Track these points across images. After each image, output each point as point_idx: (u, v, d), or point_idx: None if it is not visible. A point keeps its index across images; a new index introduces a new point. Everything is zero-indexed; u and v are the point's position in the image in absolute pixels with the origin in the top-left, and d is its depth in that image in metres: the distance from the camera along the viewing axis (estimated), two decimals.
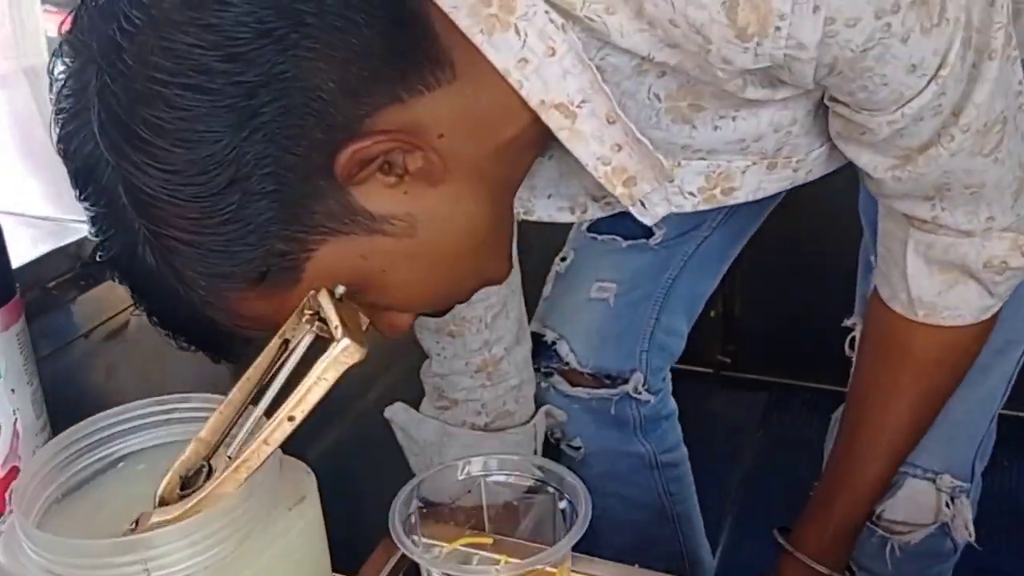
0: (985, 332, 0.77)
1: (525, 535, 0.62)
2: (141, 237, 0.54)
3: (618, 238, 1.05)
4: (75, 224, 0.90)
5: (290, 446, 0.55)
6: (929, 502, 0.94)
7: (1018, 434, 1.05)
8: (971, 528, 0.96)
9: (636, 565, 0.60)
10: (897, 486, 0.94)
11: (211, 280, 0.55)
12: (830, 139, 0.67)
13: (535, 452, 1.01)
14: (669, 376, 1.17)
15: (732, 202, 0.70)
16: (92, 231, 0.57)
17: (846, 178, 0.72)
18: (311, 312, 0.57)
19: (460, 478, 0.60)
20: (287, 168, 0.52)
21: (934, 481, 0.94)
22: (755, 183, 0.69)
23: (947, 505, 0.94)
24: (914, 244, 0.72)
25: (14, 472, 0.64)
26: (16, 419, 0.64)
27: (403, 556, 0.63)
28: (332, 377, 0.53)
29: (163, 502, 0.58)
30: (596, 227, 1.06)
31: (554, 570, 0.59)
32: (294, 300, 0.56)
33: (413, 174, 0.55)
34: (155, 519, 0.56)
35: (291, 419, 0.54)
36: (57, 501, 0.60)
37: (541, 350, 1.07)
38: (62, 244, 0.87)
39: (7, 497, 0.65)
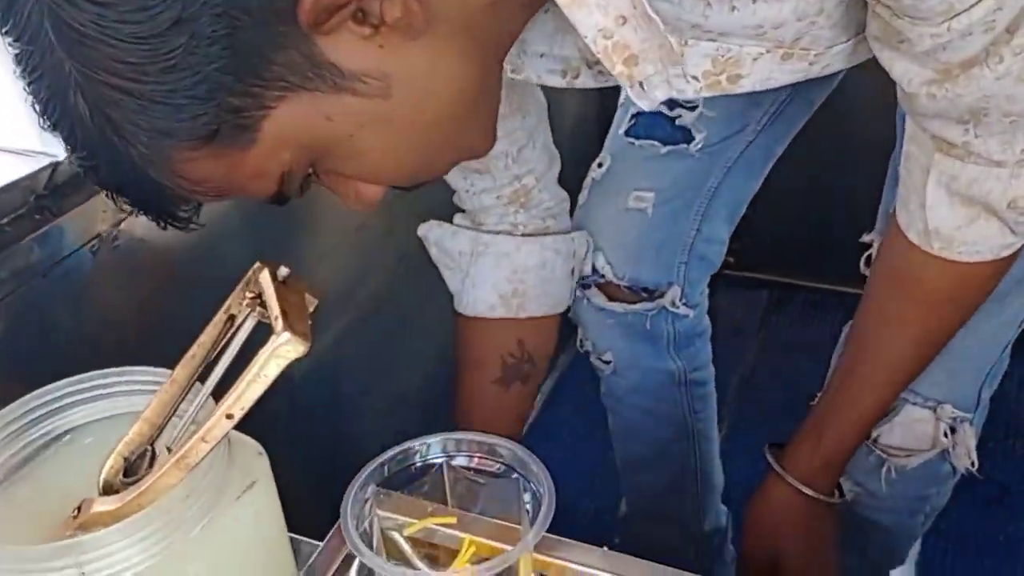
0: (1002, 270, 0.72)
1: (489, 514, 0.59)
2: (72, 81, 0.47)
3: (656, 143, 0.99)
4: (27, 155, 0.86)
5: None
6: (927, 430, 0.92)
7: None
8: (973, 456, 0.94)
9: (605, 547, 0.57)
10: (895, 412, 0.91)
11: (153, 136, 0.48)
12: (857, 35, 0.61)
13: (571, 271, 0.98)
14: (707, 291, 1.13)
15: (737, 91, 0.64)
16: (17, 70, 0.49)
17: (878, 77, 0.64)
18: (253, 294, 0.53)
19: (419, 463, 0.57)
20: (242, 9, 0.45)
21: (934, 410, 0.91)
22: (765, 73, 0.63)
23: (946, 435, 0.92)
24: (937, 174, 0.66)
25: None
26: None
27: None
28: (273, 372, 0.49)
29: (107, 486, 0.56)
30: (634, 130, 1.00)
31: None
32: (249, 164, 0.51)
33: (390, 25, 0.48)
34: (96, 508, 0.53)
35: (229, 416, 0.50)
36: (0, 483, 0.57)
37: None
38: (13, 179, 0.82)
39: None
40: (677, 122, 0.98)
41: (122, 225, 0.90)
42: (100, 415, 0.61)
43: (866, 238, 0.91)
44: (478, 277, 0.95)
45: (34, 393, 0.59)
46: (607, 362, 1.14)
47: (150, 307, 0.93)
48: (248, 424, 0.58)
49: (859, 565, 1.13)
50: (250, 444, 0.59)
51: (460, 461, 0.57)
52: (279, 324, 0.49)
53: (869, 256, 0.89)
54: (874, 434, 0.94)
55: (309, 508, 0.64)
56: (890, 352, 0.81)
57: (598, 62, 0.65)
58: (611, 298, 1.07)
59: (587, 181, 1.06)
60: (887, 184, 0.89)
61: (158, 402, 0.57)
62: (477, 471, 0.57)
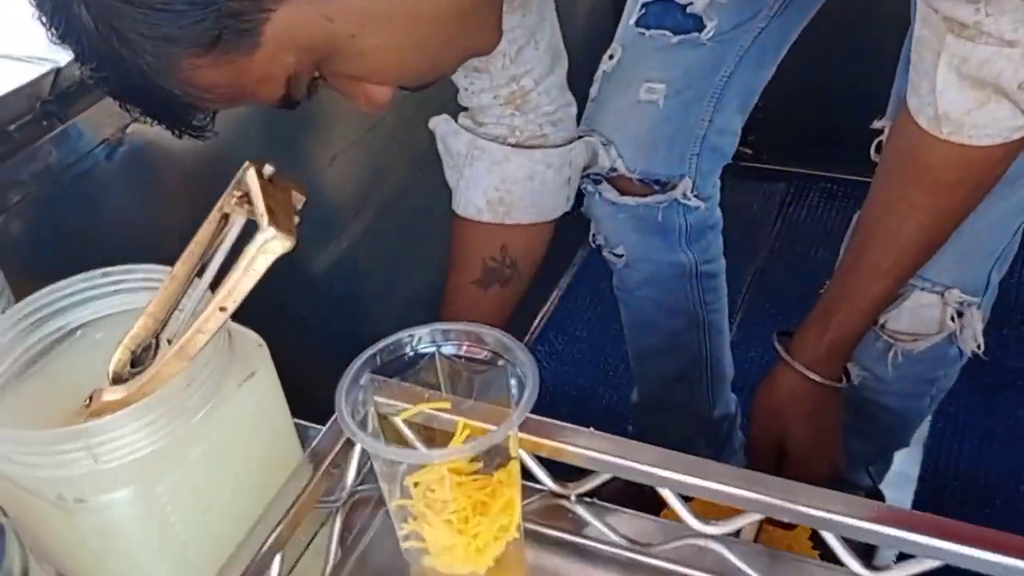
0: (1012, 154, 0.71)
1: (480, 398, 0.61)
2: None
3: (667, 32, 0.98)
4: (34, 62, 0.87)
5: (283, 269, 0.52)
6: (934, 315, 0.92)
7: None
8: (980, 339, 0.94)
9: (591, 428, 0.59)
10: (903, 297, 0.92)
11: (157, 44, 0.50)
12: None
13: (567, 180, 0.98)
14: (719, 184, 1.14)
15: None
16: None
17: None
18: (241, 193, 0.55)
19: (410, 353, 0.59)
20: None
21: (942, 295, 0.91)
22: None
23: (953, 319, 0.93)
24: (948, 57, 0.66)
25: None
26: None
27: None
28: (261, 267, 0.51)
29: (115, 377, 0.59)
30: (644, 20, 0.99)
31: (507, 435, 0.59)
32: (254, 69, 0.52)
33: None
34: (106, 397, 0.56)
35: (223, 309, 0.52)
36: (15, 376, 0.60)
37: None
38: (18, 85, 0.84)
39: None
40: (688, 10, 0.96)
41: (128, 129, 0.91)
42: (109, 311, 0.63)
43: (877, 124, 0.90)
44: (471, 180, 0.96)
45: (46, 289, 0.61)
46: (619, 255, 1.15)
47: (159, 208, 0.95)
48: (258, 320, 0.61)
49: (865, 448, 1.16)
50: (251, 336, 0.61)
51: (449, 350, 0.60)
52: (264, 221, 0.51)
53: (880, 143, 0.88)
54: (881, 320, 0.95)
55: (320, 396, 0.66)
56: (898, 238, 0.82)
57: None
58: (623, 192, 1.07)
59: (598, 74, 1.05)
60: (899, 69, 0.87)
61: (160, 297, 0.59)
62: (467, 359, 0.59)
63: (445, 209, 1.01)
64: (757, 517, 0.58)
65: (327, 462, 0.62)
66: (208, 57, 0.51)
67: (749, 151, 2.02)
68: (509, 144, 0.94)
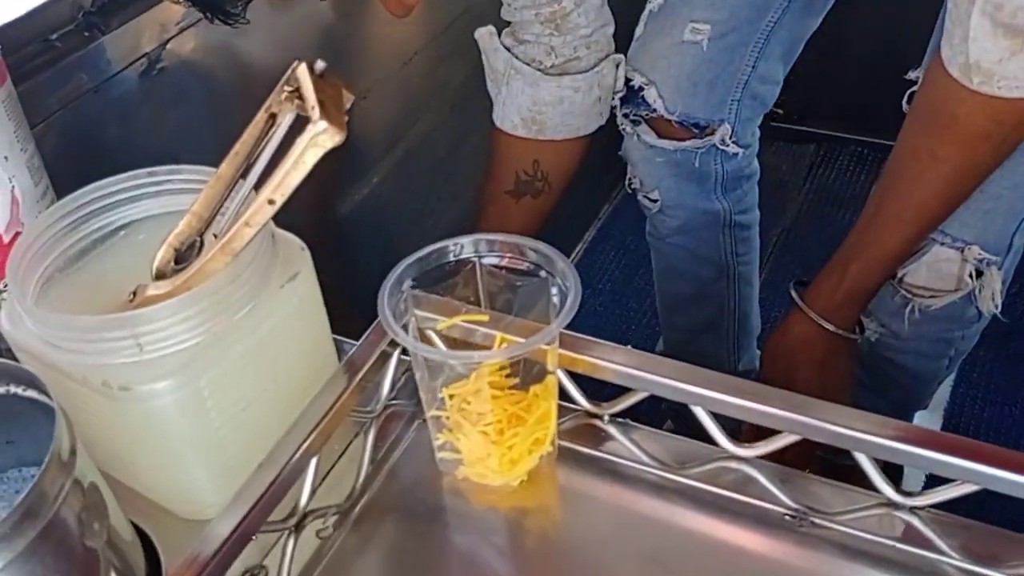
0: None
1: (522, 316, 0.61)
2: None
3: None
4: None
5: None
6: (953, 270, 0.92)
7: None
8: (998, 299, 0.93)
9: (629, 346, 0.59)
10: (923, 252, 0.91)
11: None
12: None
13: (597, 99, 1.02)
14: (758, 133, 1.13)
15: None
16: None
17: None
18: (291, 88, 0.55)
19: (452, 260, 0.59)
20: None
21: (962, 251, 0.90)
22: None
23: (971, 276, 0.92)
24: (982, 3, 0.65)
25: (18, 238, 0.65)
26: (13, 186, 0.64)
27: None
28: (310, 160, 0.51)
29: (159, 274, 0.59)
30: None
31: (545, 349, 0.59)
32: None
33: None
34: (150, 292, 0.57)
35: (271, 202, 0.52)
36: (60, 270, 0.61)
37: (629, 95, 1.05)
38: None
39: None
40: None
41: (168, 45, 0.91)
42: (153, 212, 0.63)
43: (912, 75, 0.89)
44: (508, 97, 1.01)
45: (91, 186, 0.61)
46: (654, 200, 1.15)
47: (195, 123, 0.95)
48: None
49: (881, 406, 1.15)
50: (294, 240, 0.61)
51: (491, 260, 0.60)
52: (315, 114, 0.51)
53: (912, 94, 0.87)
54: (900, 273, 0.94)
55: (353, 319, 0.67)
56: (920, 188, 0.81)
57: None
58: (661, 134, 1.07)
59: (644, 13, 1.05)
60: (937, 25, 0.86)
61: (205, 197, 0.59)
62: (508, 270, 0.59)
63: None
64: (793, 438, 0.58)
65: (363, 371, 0.62)
66: None
67: (780, 111, 2.00)
68: (542, 69, 0.97)
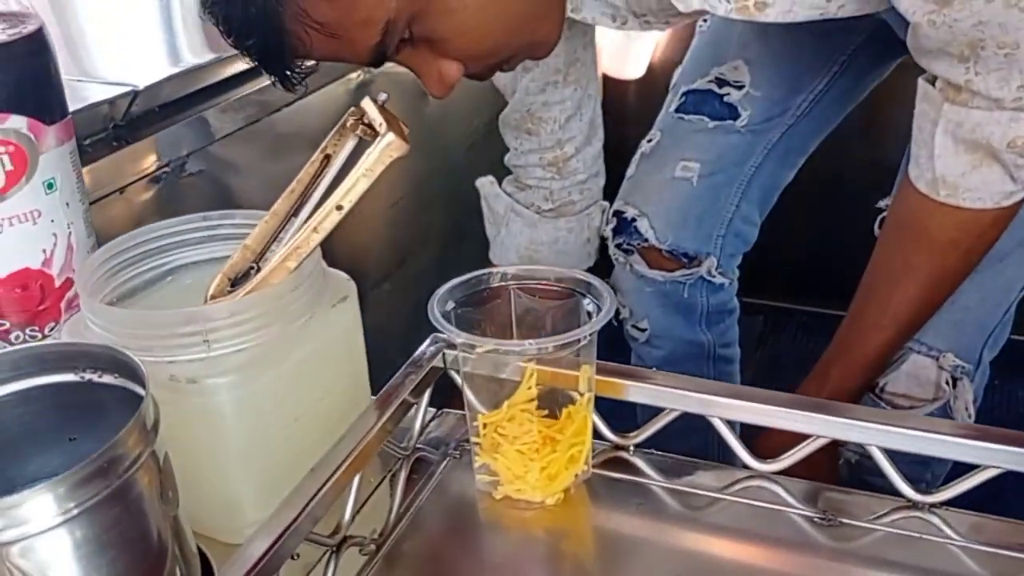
0: (1004, 219, 0.78)
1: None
2: None
3: (705, 118, 1.08)
4: (113, 85, 0.94)
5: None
6: (930, 377, 0.97)
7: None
8: (971, 410, 0.99)
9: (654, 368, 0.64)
10: (901, 360, 0.97)
11: None
12: None
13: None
14: (738, 273, 1.21)
15: (762, 19, 0.73)
16: None
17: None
18: (355, 119, 0.61)
19: (492, 285, 0.64)
20: None
21: (937, 359, 0.96)
22: (788, 3, 0.72)
23: (947, 383, 0.98)
24: (944, 123, 0.73)
25: (69, 283, 0.68)
26: (71, 232, 0.67)
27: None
28: (377, 169, 0.57)
29: (214, 298, 0.62)
30: (683, 107, 1.10)
31: (576, 373, 0.63)
32: (362, 6, 0.61)
33: None
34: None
35: (339, 208, 0.57)
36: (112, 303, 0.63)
37: (622, 227, 1.12)
38: (96, 100, 0.91)
39: (62, 308, 0.69)
40: (725, 99, 1.07)
41: (190, 157, 0.98)
42: (202, 257, 0.67)
43: (881, 204, 0.99)
44: (507, 237, 1.10)
45: (144, 228, 0.66)
46: (642, 330, 1.20)
47: None
48: None
49: None
50: (341, 273, 0.66)
51: (527, 284, 0.64)
52: (383, 128, 0.57)
53: (883, 219, 0.94)
54: (881, 382, 1.00)
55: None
56: (896, 295, 0.87)
57: (644, 14, 0.78)
58: (651, 265, 1.15)
59: (636, 156, 1.15)
60: (903, 160, 0.98)
61: (259, 231, 0.64)
62: (542, 295, 0.64)
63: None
64: (816, 445, 0.62)
65: (404, 396, 0.65)
66: None
67: None
68: (540, 212, 1.08)
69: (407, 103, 1.35)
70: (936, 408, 0.99)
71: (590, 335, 0.60)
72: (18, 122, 0.62)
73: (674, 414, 0.66)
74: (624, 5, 0.80)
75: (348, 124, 0.61)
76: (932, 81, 0.74)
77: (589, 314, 0.62)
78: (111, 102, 0.91)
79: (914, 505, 0.62)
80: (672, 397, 0.64)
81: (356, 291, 0.65)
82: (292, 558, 0.60)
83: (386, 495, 0.67)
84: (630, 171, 1.14)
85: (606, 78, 1.96)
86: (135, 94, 0.93)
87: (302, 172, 0.64)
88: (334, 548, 0.61)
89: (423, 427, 0.70)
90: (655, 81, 1.86)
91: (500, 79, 1.03)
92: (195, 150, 0.99)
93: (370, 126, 0.59)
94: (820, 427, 0.61)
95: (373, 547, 0.62)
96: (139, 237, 0.65)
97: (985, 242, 0.81)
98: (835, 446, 0.93)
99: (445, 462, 0.69)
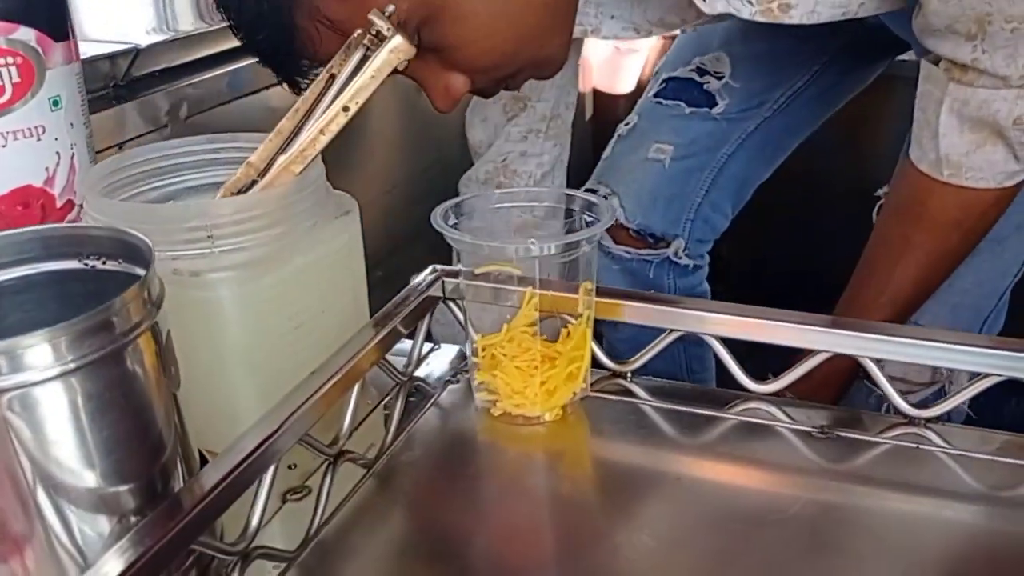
0: (1005, 199, 0.79)
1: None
2: None
3: (682, 104, 1.10)
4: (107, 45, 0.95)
5: None
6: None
7: None
8: (964, 404, 1.00)
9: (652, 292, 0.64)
10: None
11: None
12: None
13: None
14: (708, 259, 1.22)
15: (787, 21, 0.75)
16: None
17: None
18: (360, 32, 0.62)
19: (493, 205, 0.65)
20: None
21: None
22: (811, 3, 0.74)
23: (943, 370, 0.99)
24: (950, 102, 0.75)
25: (70, 205, 0.68)
26: (74, 153, 0.68)
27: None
28: (385, 71, 0.58)
29: None
30: (663, 93, 1.11)
31: (576, 296, 0.64)
32: (372, 4, 0.61)
33: None
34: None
35: (346, 109, 0.58)
36: None
37: None
38: (99, 54, 0.91)
39: None
40: (704, 87, 1.10)
41: (189, 121, 0.99)
42: (204, 181, 0.67)
43: (880, 192, 1.01)
44: None
45: (143, 147, 0.66)
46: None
47: None
48: None
49: None
50: (344, 193, 0.66)
51: (523, 204, 0.65)
52: (391, 31, 0.58)
53: (881, 206, 0.95)
54: None
55: None
56: (895, 274, 0.88)
57: (667, 24, 0.80)
58: (618, 242, 1.16)
59: (613, 138, 1.17)
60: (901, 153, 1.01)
61: (263, 149, 0.64)
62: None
63: None
64: (815, 361, 0.62)
65: (408, 310, 0.65)
66: None
67: None
68: None
69: (401, 95, 1.37)
70: (931, 392, 1.00)
71: (589, 241, 0.60)
72: (27, 34, 0.63)
73: (672, 336, 0.66)
74: (644, 20, 0.82)
75: (354, 42, 0.62)
76: (936, 63, 0.75)
77: (588, 223, 0.63)
78: (112, 58, 0.93)
79: (910, 421, 0.62)
80: (670, 316, 0.65)
81: (359, 208, 0.65)
82: (289, 468, 0.60)
83: (383, 417, 0.67)
84: (606, 152, 1.16)
85: (597, 92, 1.99)
86: (136, 52, 0.94)
87: (307, 91, 0.65)
88: (331, 459, 0.61)
89: (420, 355, 0.70)
90: None
91: (477, 133, 1.05)
92: (197, 112, 0.99)
93: (377, 36, 0.60)
94: (819, 341, 0.62)
95: (371, 460, 0.61)
96: (142, 155, 0.65)
97: (986, 222, 0.82)
98: (843, 374, 0.92)
99: (443, 388, 0.69)
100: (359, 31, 0.62)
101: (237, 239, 0.57)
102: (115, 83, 0.95)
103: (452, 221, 0.63)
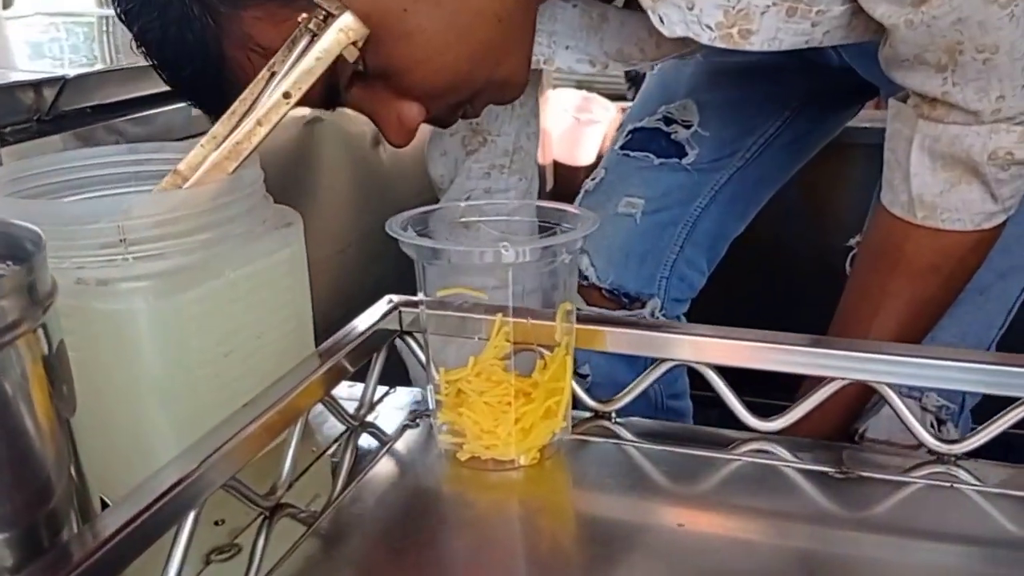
0: (985, 244, 0.74)
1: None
2: None
3: (651, 155, 1.04)
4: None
5: None
6: (913, 420, 0.92)
7: None
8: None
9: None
10: (881, 404, 0.92)
11: None
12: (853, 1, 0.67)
13: None
14: (684, 320, 1.15)
15: (748, 47, 0.69)
16: None
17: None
18: (305, 17, 0.55)
19: (460, 219, 0.57)
20: None
21: (919, 399, 0.91)
22: (772, 30, 0.68)
23: (932, 426, 0.92)
24: (920, 139, 0.70)
25: None
26: None
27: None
28: (334, 52, 0.51)
29: None
30: (629, 144, 1.05)
31: (552, 324, 0.56)
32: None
33: None
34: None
35: (286, 96, 0.51)
36: None
37: None
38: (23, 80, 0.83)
39: None
40: (672, 137, 1.04)
41: None
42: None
43: (852, 241, 0.96)
44: None
45: (57, 155, 0.58)
46: (583, 376, 1.13)
47: None
48: None
49: None
50: (286, 206, 0.58)
51: (496, 221, 0.57)
52: (339, 9, 0.51)
53: (854, 256, 0.90)
54: (860, 428, 0.94)
55: None
56: (872, 328, 0.81)
57: (623, 58, 0.75)
58: (591, 304, 1.08)
59: (580, 195, 1.10)
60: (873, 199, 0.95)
61: (194, 156, 0.56)
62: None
63: None
64: (832, 388, 0.54)
65: (357, 341, 0.56)
66: (273, 5, 0.54)
67: None
68: None
69: (357, 152, 1.31)
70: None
71: (568, 248, 0.52)
72: None
73: (665, 367, 0.58)
74: (600, 52, 0.76)
75: (298, 32, 0.54)
76: (904, 100, 0.71)
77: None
78: (36, 87, 0.84)
79: (939, 458, 0.54)
80: (661, 344, 0.57)
81: (302, 221, 0.57)
82: (216, 524, 0.51)
83: (331, 466, 0.57)
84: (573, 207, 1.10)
85: (557, 164, 1.95)
86: (64, 82, 0.86)
87: (245, 92, 0.57)
88: (267, 512, 0.51)
89: (373, 397, 0.61)
90: None
91: (437, 168, 0.98)
92: None
93: (325, 19, 0.53)
94: (829, 366, 0.54)
95: (314, 514, 0.52)
96: (53, 163, 0.57)
97: (966, 268, 0.76)
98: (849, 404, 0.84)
99: (399, 433, 0.60)
100: (303, 16, 0.54)
101: (156, 244, 0.48)
102: (39, 116, 0.86)
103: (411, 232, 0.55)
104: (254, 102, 0.57)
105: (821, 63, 0.99)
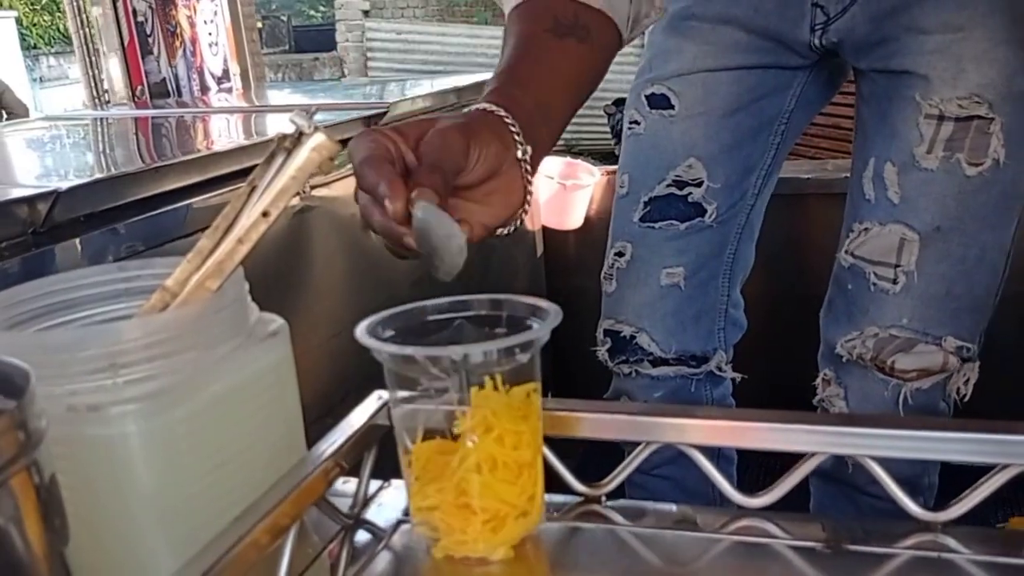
0: None
1: None
2: None
3: (675, 222, 1.07)
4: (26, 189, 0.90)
5: None
6: (937, 360, 0.96)
7: None
8: (966, 389, 0.98)
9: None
10: (909, 348, 0.96)
11: None
12: None
13: None
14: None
15: None
16: None
17: None
18: (281, 136, 0.57)
19: (430, 318, 0.58)
20: None
21: (940, 343, 0.95)
22: None
23: (955, 359, 0.96)
24: None
25: None
26: None
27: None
28: (307, 170, 0.53)
29: None
30: (649, 216, 1.08)
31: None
32: None
33: None
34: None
35: (265, 215, 0.52)
36: None
37: (619, 345, 1.08)
38: (17, 197, 0.86)
39: None
40: (689, 199, 1.07)
41: None
42: (116, 315, 0.60)
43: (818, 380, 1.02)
44: None
45: (46, 279, 0.59)
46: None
47: None
48: None
49: None
50: (270, 314, 0.59)
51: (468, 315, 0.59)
52: (312, 129, 0.53)
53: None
54: (889, 360, 0.97)
55: None
56: None
57: None
58: (656, 366, 1.11)
59: (610, 272, 1.12)
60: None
61: (180, 272, 0.58)
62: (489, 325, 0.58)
63: None
64: (814, 463, 0.55)
65: (350, 441, 0.57)
66: None
67: None
68: None
69: (348, 237, 1.33)
70: (941, 380, 0.97)
71: (524, 348, 0.53)
72: None
73: (649, 450, 0.59)
74: None
75: (276, 149, 0.57)
76: None
77: (535, 325, 0.56)
78: (30, 202, 0.87)
79: (925, 526, 0.55)
80: (643, 428, 0.58)
81: (288, 330, 0.59)
82: None
83: (328, 567, 0.58)
84: (609, 288, 1.12)
85: (547, 230, 1.98)
86: (57, 195, 0.88)
87: (227, 207, 0.59)
88: None
89: (366, 494, 0.62)
90: (592, 229, 1.89)
91: None
92: (125, 257, 0.93)
93: (299, 137, 0.55)
94: (814, 442, 0.55)
95: None
96: (44, 287, 0.58)
97: None
98: None
99: (394, 529, 0.61)
100: (279, 134, 0.57)
101: (145, 366, 0.49)
102: (34, 229, 0.88)
103: (387, 335, 0.56)
104: (236, 217, 0.59)
105: (794, 66, 1.04)
